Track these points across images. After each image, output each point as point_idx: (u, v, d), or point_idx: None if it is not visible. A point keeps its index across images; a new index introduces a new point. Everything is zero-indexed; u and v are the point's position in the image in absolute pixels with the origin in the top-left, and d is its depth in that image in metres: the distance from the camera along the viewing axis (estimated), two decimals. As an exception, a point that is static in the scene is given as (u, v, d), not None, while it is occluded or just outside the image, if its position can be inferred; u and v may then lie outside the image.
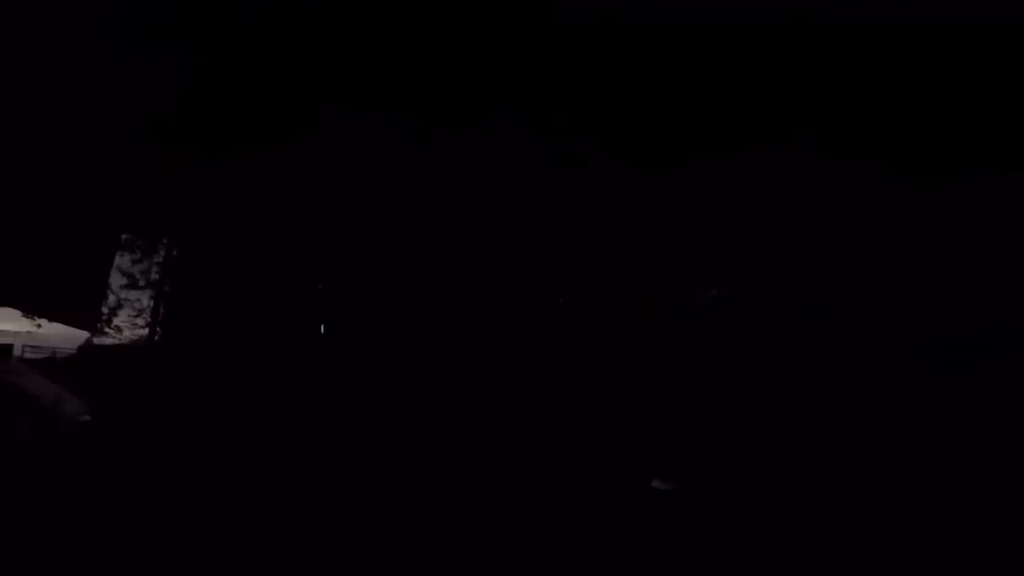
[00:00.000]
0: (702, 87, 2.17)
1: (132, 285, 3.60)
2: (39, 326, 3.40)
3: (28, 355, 3.57)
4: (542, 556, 1.81)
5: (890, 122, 1.92)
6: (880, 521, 1.82)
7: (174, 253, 3.65)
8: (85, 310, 3.50)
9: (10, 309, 3.31)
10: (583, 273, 2.51)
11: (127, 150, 3.35)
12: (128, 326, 3.50)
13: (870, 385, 1.86)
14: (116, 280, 3.58)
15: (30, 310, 3.35)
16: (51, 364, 3.39)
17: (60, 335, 3.43)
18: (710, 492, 2.07)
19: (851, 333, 1.90)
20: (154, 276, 3.66)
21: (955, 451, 1.71)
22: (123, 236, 3.67)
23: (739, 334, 2.24)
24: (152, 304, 3.59)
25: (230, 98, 2.58)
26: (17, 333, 3.46)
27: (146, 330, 3.56)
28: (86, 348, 3.37)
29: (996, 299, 1.69)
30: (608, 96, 2.28)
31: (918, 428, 1.78)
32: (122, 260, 3.62)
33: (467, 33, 2.22)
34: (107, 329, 3.47)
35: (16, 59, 2.66)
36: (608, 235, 2.48)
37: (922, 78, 1.87)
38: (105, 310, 3.50)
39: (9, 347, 3.45)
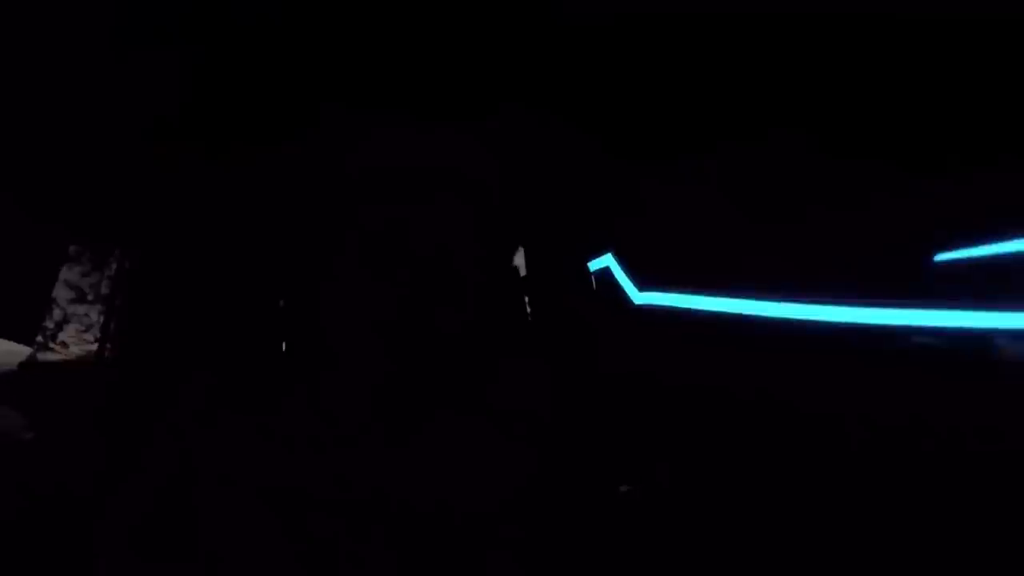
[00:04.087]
0: (702, 86, 2.37)
1: (80, 299, 3.41)
2: (-26, 340, 3.13)
3: (-40, 371, 3.26)
4: (504, 556, 1.82)
5: (885, 119, 2.12)
6: (858, 522, 1.87)
7: (127, 266, 3.50)
8: (27, 324, 3.26)
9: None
10: (571, 273, 2.61)
11: (77, 158, 3.22)
12: (75, 341, 3.29)
13: (852, 382, 1.95)
14: (63, 293, 3.38)
15: (-35, 323, 3.09)
16: (-14, 381, 3.11)
17: (-2, 350, 3.17)
18: (681, 494, 2.11)
19: (834, 329, 2.01)
20: (104, 290, 3.49)
21: (932, 447, 1.81)
22: (71, 247, 3.48)
23: (717, 334, 2.32)
24: (102, 319, 3.40)
25: (219, 98, 2.56)
26: (-50, 347, 3.17)
27: (95, 345, 3.36)
28: (28, 364, 3.13)
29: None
30: (609, 96, 2.44)
31: (897, 422, 1.87)
32: (70, 273, 3.43)
33: (467, 33, 2.33)
34: (52, 344, 3.24)
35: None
36: (603, 235, 2.62)
37: (910, 74, 2.08)
38: (50, 324, 3.27)
39: (-60, 362, 3.14)
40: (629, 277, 2.67)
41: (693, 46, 2.36)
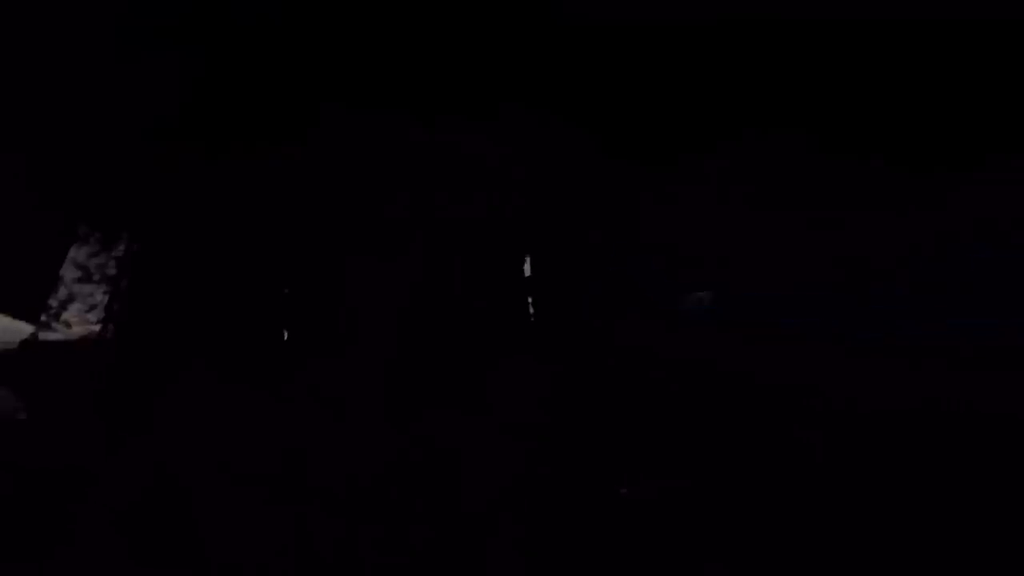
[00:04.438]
0: (701, 85, 2.29)
1: (86, 279, 3.44)
2: (-24, 317, 3.19)
3: (-39, 347, 3.32)
4: (506, 551, 1.81)
5: (883, 118, 2.04)
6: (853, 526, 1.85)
7: (134, 248, 3.52)
8: (31, 302, 3.31)
9: (-54, 297, 3.10)
10: (573, 274, 2.56)
11: (93, 145, 3.24)
12: (78, 321, 3.32)
13: (860, 387, 1.92)
14: (69, 273, 3.41)
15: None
16: (-13, 357, 3.16)
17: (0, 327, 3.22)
18: (684, 496, 2.09)
19: (841, 333, 1.97)
20: (111, 271, 3.52)
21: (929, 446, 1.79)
22: (80, 228, 3.52)
23: (729, 336, 2.28)
24: (107, 299, 3.43)
25: (220, 98, 2.54)
26: (-49, 323, 3.23)
27: (98, 326, 3.39)
28: (29, 342, 3.17)
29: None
30: (610, 96, 2.37)
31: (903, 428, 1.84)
32: (78, 253, 3.46)
33: (468, 33, 2.27)
34: (55, 323, 3.28)
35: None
36: (600, 237, 2.56)
37: (921, 73, 1.98)
38: (54, 303, 3.31)
39: (-59, 337, 3.20)
40: (637, 279, 2.63)
41: (693, 46, 2.28)
